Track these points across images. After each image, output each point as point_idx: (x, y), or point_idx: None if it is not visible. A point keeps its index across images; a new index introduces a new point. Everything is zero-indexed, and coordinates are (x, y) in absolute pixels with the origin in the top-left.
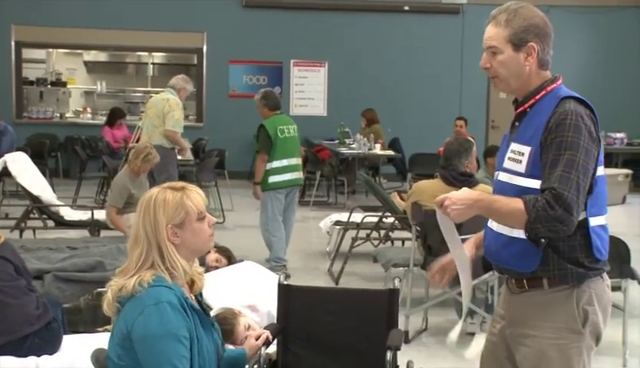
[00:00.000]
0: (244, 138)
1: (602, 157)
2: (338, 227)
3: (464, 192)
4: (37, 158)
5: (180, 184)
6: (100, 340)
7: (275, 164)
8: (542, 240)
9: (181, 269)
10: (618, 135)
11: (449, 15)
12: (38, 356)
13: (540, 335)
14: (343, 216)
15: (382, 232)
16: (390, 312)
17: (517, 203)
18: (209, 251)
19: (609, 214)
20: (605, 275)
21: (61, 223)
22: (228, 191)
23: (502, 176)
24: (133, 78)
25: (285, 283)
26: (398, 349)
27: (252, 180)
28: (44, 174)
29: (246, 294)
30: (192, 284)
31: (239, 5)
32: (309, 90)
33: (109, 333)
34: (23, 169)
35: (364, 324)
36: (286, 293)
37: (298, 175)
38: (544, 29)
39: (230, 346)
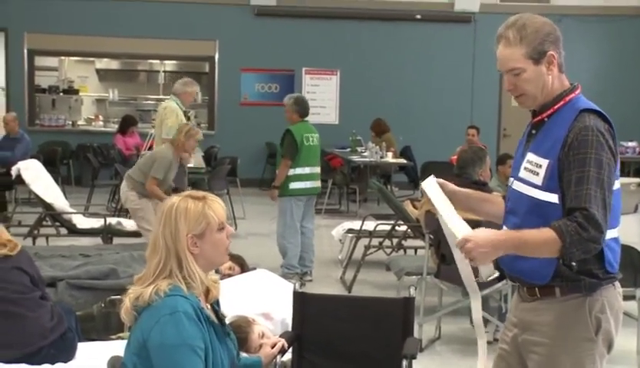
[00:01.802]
0: (256, 146)
1: (618, 171)
2: (350, 235)
3: (488, 233)
4: (50, 165)
5: (201, 193)
6: (114, 347)
7: (298, 171)
8: (574, 264)
9: (198, 279)
10: (630, 144)
11: (460, 24)
12: (53, 364)
13: (553, 343)
14: (355, 224)
15: (395, 240)
16: (405, 320)
17: (548, 233)
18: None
19: (622, 223)
20: (617, 283)
21: (74, 231)
22: (240, 199)
23: (517, 186)
24: (145, 86)
25: (300, 291)
26: (414, 357)
27: (264, 188)
28: (56, 181)
29: (260, 301)
30: (207, 292)
31: (250, 13)
32: (321, 99)
33: (122, 341)
34: (36, 176)
35: (379, 332)
36: (301, 301)
37: (318, 183)
38: (555, 34)
39: (244, 355)
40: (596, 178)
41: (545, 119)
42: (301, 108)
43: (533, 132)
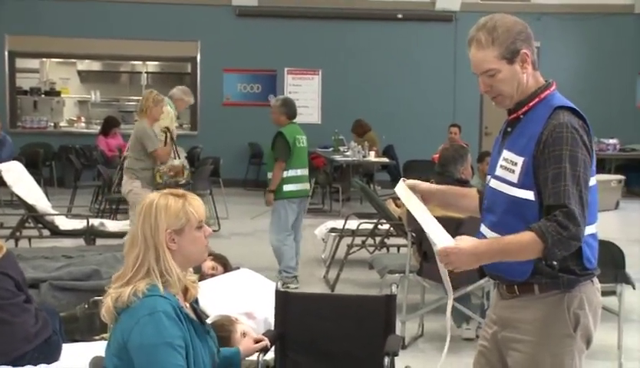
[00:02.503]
0: (238, 146)
1: (594, 167)
2: (333, 234)
3: (469, 244)
4: (32, 167)
5: (182, 191)
6: (97, 348)
7: (291, 173)
8: (555, 263)
9: (175, 275)
10: (611, 141)
11: (442, 23)
12: (36, 365)
13: (532, 340)
14: (338, 223)
15: (377, 239)
16: (387, 318)
17: (529, 236)
18: (204, 259)
19: (603, 219)
20: (595, 279)
21: (57, 232)
22: (223, 199)
23: (493, 184)
24: (127, 87)
25: (283, 290)
26: (396, 354)
27: (248, 188)
28: (38, 183)
29: (243, 301)
30: (185, 291)
31: (232, 14)
32: (303, 98)
33: (105, 342)
34: (18, 178)
35: (361, 330)
36: (284, 300)
37: (307, 186)
38: (526, 32)
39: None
40: (572, 174)
41: (521, 116)
42: (290, 110)
43: (509, 129)
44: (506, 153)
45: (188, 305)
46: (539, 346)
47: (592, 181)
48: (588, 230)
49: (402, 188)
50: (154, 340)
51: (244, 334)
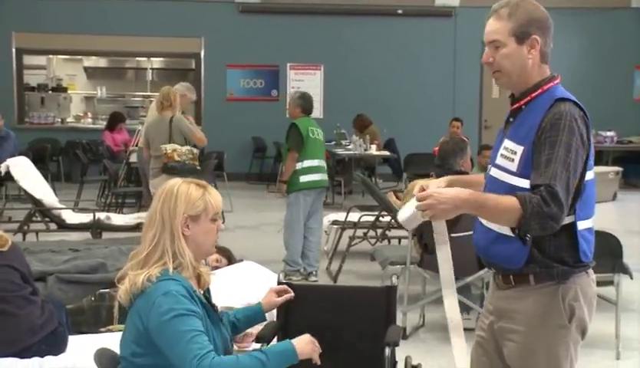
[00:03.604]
0: (242, 140)
1: (591, 161)
2: (335, 226)
3: (453, 191)
4: (39, 162)
5: (203, 182)
6: (104, 340)
7: (307, 163)
8: (528, 237)
9: (187, 258)
10: (609, 133)
11: (441, 18)
12: (42, 357)
13: (527, 330)
14: (340, 216)
15: (379, 231)
16: (388, 309)
17: (510, 200)
18: (213, 253)
19: (601, 210)
20: (590, 270)
21: (63, 226)
22: (227, 192)
23: (493, 172)
24: (133, 83)
25: (284, 281)
26: (397, 345)
27: (252, 182)
28: (46, 178)
29: (246, 293)
30: (199, 279)
31: (235, 11)
32: None
33: (111, 333)
34: (25, 173)
35: (362, 321)
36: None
37: (325, 176)
38: (546, 22)
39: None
40: (563, 160)
41: (523, 106)
42: (306, 103)
43: (511, 119)
44: (507, 142)
45: (202, 292)
46: (534, 337)
47: (590, 175)
48: (585, 224)
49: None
50: (171, 314)
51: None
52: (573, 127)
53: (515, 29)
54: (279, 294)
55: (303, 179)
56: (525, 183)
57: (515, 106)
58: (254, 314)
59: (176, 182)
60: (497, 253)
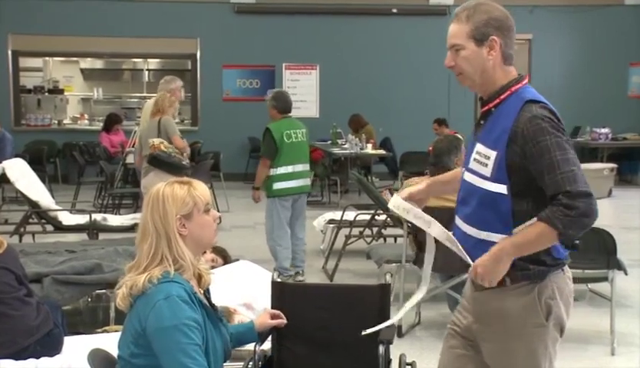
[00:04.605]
0: (238, 141)
1: None
2: (331, 225)
3: (488, 257)
4: (36, 164)
5: (186, 179)
6: (100, 340)
7: (281, 170)
8: (578, 242)
9: (188, 259)
10: (603, 130)
11: (436, 17)
12: (38, 358)
13: (505, 331)
14: (336, 215)
15: (375, 230)
16: (382, 307)
17: (538, 226)
18: (205, 252)
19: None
20: (565, 267)
21: (60, 227)
22: (223, 192)
23: (468, 177)
24: (129, 84)
25: (279, 280)
26: (390, 343)
27: (248, 182)
28: (43, 180)
29: (242, 292)
30: (199, 278)
31: (230, 11)
32: (301, 93)
33: (107, 334)
34: (21, 175)
35: (356, 319)
36: (280, 290)
37: (304, 182)
38: (505, 23)
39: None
40: (563, 159)
41: (492, 109)
42: (280, 104)
43: (482, 122)
44: (479, 147)
45: (202, 292)
46: (512, 337)
47: None
48: None
49: (397, 204)
50: (171, 322)
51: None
52: (554, 125)
53: (473, 31)
54: (273, 317)
55: (277, 186)
56: (499, 188)
57: (484, 108)
58: (246, 332)
59: (159, 187)
60: (477, 258)
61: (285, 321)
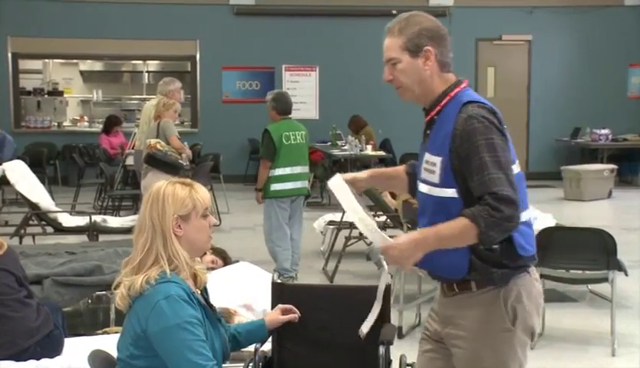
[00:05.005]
0: (238, 142)
1: (514, 156)
2: (331, 227)
3: (404, 238)
4: (36, 166)
5: (188, 181)
6: (100, 342)
7: (278, 172)
8: (496, 247)
9: (182, 258)
10: (603, 131)
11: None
12: (38, 360)
13: (472, 336)
14: (336, 216)
15: None
16: (382, 308)
17: (461, 221)
18: (205, 253)
19: (596, 208)
20: (531, 269)
21: (60, 229)
22: (223, 194)
23: (422, 188)
24: (129, 86)
25: (279, 281)
26: (391, 343)
27: (247, 184)
28: (42, 182)
29: (241, 293)
30: (195, 278)
31: (230, 13)
32: (301, 95)
33: (108, 336)
34: (21, 177)
35: (357, 320)
36: (280, 291)
37: (302, 184)
38: (438, 32)
39: (247, 320)
40: (493, 161)
41: (435, 117)
42: (280, 105)
43: (428, 132)
44: (427, 156)
45: (199, 292)
46: (479, 342)
47: (516, 168)
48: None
49: (338, 184)
50: (174, 321)
51: None
52: (488, 126)
53: (406, 43)
54: (284, 312)
55: (274, 187)
56: (449, 192)
57: (428, 117)
58: (256, 329)
59: (160, 185)
60: (439, 265)
61: (298, 314)
